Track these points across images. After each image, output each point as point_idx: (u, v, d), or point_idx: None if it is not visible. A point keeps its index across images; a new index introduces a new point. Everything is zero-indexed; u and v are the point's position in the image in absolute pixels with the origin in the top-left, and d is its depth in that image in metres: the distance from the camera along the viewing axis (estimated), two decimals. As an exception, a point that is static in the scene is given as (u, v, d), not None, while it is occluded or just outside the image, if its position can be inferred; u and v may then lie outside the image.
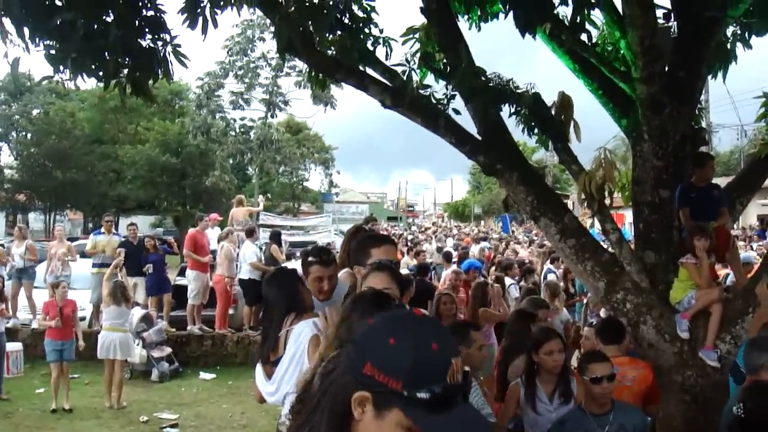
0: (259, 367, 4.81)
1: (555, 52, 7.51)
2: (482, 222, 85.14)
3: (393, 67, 7.34)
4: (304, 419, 1.98)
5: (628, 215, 16.09)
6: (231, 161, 48.46)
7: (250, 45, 42.85)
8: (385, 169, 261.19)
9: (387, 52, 7.52)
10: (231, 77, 43.92)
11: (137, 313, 14.49)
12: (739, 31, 7.76)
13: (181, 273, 18.21)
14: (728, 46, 7.80)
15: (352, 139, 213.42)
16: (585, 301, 13.83)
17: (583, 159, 7.36)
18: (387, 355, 1.82)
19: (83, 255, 17.92)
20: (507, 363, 7.08)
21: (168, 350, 14.91)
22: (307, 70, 7.99)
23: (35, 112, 56.24)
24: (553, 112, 7.27)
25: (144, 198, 51.00)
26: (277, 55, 39.85)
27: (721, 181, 7.36)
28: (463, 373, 1.87)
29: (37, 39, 6.07)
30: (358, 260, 4.83)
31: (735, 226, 9.87)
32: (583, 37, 7.22)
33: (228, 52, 42.74)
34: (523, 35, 6.10)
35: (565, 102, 7.24)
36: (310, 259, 5.20)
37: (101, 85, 6.86)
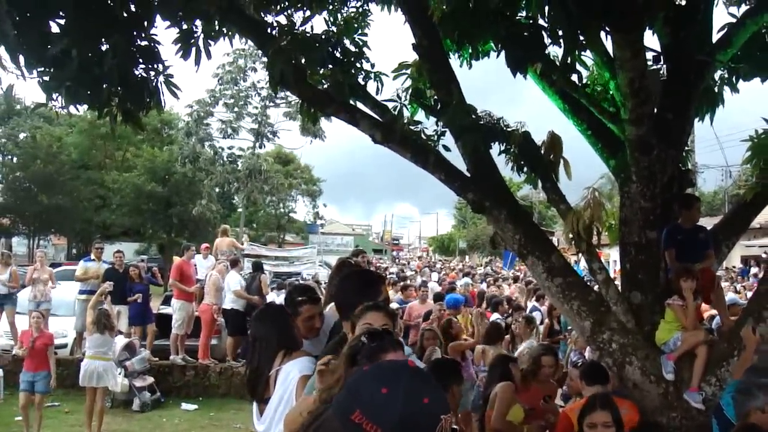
0: (254, 406, 4.76)
1: (545, 92, 7.57)
2: (467, 257, 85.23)
3: (384, 103, 7.37)
4: None
5: (612, 254, 16.10)
6: (218, 190, 48.41)
7: (242, 74, 42.96)
8: (370, 202, 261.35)
9: (378, 87, 7.55)
10: (221, 105, 43.99)
11: (120, 341, 14.38)
12: (726, 76, 7.83)
13: (166, 301, 18.12)
14: (716, 89, 7.87)
15: (338, 170, 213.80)
16: (569, 339, 13.84)
17: (570, 198, 7.41)
18: (377, 405, 1.82)
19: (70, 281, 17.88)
20: (487, 395, 7.33)
21: (150, 380, 14.80)
22: (299, 103, 8.00)
23: (22, 135, 56.13)
24: (542, 151, 7.31)
25: (129, 225, 50.81)
26: (268, 85, 39.99)
27: (706, 221, 7.41)
28: (451, 430, 1.86)
29: (31, 67, 6.07)
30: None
31: (719, 267, 9.94)
32: (574, 77, 7.27)
33: (219, 81, 42.83)
34: (514, 74, 6.13)
35: (554, 141, 7.28)
36: (299, 299, 5.11)
37: (91, 111, 6.87)
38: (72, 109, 6.65)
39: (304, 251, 38.20)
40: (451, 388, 6.35)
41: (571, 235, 6.89)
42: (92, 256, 17.26)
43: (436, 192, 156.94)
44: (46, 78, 6.19)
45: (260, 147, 46.79)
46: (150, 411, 14.28)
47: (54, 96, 6.33)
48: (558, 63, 6.98)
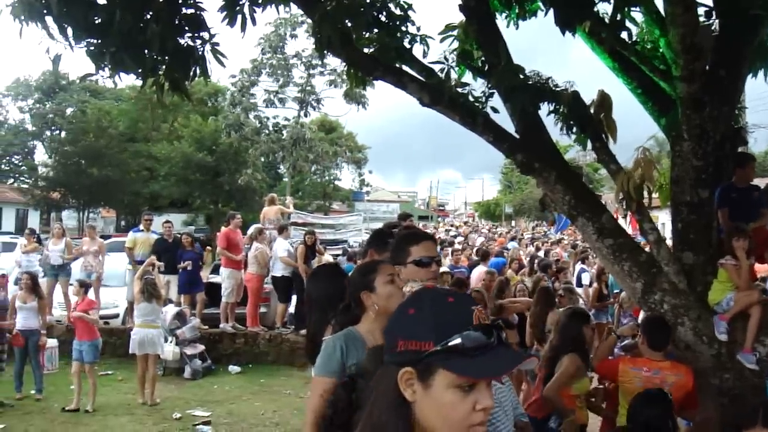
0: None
1: (594, 50, 7.46)
2: (513, 222, 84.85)
3: (430, 65, 7.31)
4: (363, 425, 2.00)
5: (661, 216, 15.94)
6: (263, 159, 48.66)
7: (282, 42, 42.98)
8: (414, 169, 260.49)
9: (424, 50, 7.49)
10: (264, 75, 44.09)
11: (171, 310, 14.59)
12: (781, 30, 7.67)
13: (215, 270, 18.27)
14: (769, 45, 7.72)
15: (381, 138, 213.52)
16: (617, 301, 13.79)
17: (618, 159, 7.30)
18: (411, 324, 1.90)
19: (119, 252, 18.15)
20: (555, 360, 6.89)
21: (201, 347, 14.99)
22: (344, 70, 7.97)
23: (69, 110, 56.77)
24: (591, 111, 7.21)
25: (177, 196, 51.37)
26: (311, 53, 39.71)
27: (757, 181, 7.29)
28: (494, 321, 1.93)
29: (78, 37, 6.12)
30: (396, 258, 4.47)
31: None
32: (623, 35, 7.16)
33: (261, 50, 42.93)
34: (563, 33, 6.05)
35: (604, 101, 7.17)
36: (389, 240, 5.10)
37: (138, 80, 6.93)
38: (118, 79, 6.69)
39: (350, 219, 38.23)
40: None
41: (621, 195, 6.81)
42: (141, 227, 17.52)
43: (479, 157, 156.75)
44: (92, 48, 6.24)
45: (305, 116, 46.90)
46: (201, 378, 14.49)
47: (102, 66, 6.38)
48: (607, 20, 6.87)
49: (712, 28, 6.85)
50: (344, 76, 35.47)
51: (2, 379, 12.37)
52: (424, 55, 7.46)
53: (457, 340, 1.80)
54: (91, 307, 12.51)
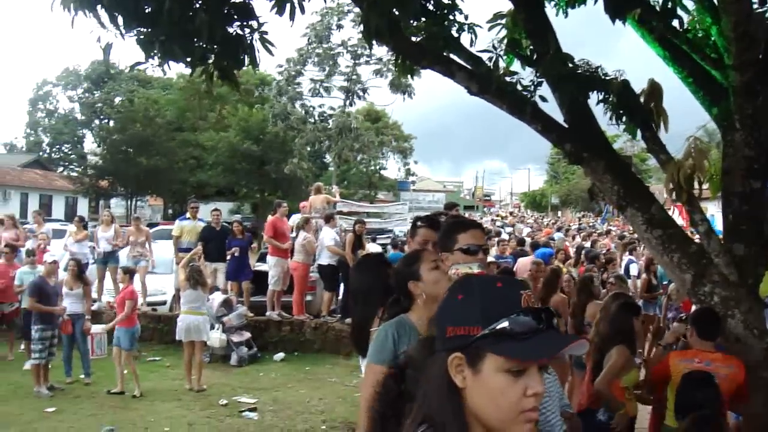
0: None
1: (644, 39, 7.36)
2: (559, 212, 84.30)
3: (478, 54, 7.27)
4: (416, 414, 1.99)
5: (710, 208, 15.79)
6: (309, 149, 48.74)
7: (327, 32, 42.93)
8: (459, 159, 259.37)
9: (472, 39, 7.45)
10: (310, 64, 44.12)
11: (218, 297, 14.75)
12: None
13: (261, 259, 18.39)
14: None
15: (426, 128, 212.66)
16: (667, 293, 13.67)
17: (667, 149, 7.21)
18: (460, 310, 1.90)
19: (167, 240, 18.33)
20: (603, 350, 6.87)
21: (247, 335, 15.12)
22: (390, 59, 7.94)
23: (117, 99, 57.43)
24: (641, 100, 7.12)
25: (223, 184, 51.71)
26: (357, 42, 39.62)
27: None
28: (545, 308, 1.92)
29: (129, 26, 6.18)
30: (444, 246, 4.40)
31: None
32: (674, 23, 7.06)
33: (308, 40, 42.95)
34: (613, 21, 5.99)
35: (654, 89, 7.08)
36: (419, 223, 5.14)
37: (187, 71, 6.98)
38: (167, 68, 6.75)
39: (395, 208, 38.05)
40: None
41: (671, 186, 6.72)
42: (188, 215, 17.67)
43: (525, 147, 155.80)
44: (142, 36, 6.31)
45: (351, 105, 46.84)
46: (247, 365, 14.66)
47: (151, 55, 6.44)
48: (658, 8, 6.79)
49: (766, 16, 6.74)
50: (390, 66, 35.65)
51: (53, 364, 12.59)
52: (472, 43, 7.41)
53: (505, 324, 1.81)
54: (131, 297, 12.65)
